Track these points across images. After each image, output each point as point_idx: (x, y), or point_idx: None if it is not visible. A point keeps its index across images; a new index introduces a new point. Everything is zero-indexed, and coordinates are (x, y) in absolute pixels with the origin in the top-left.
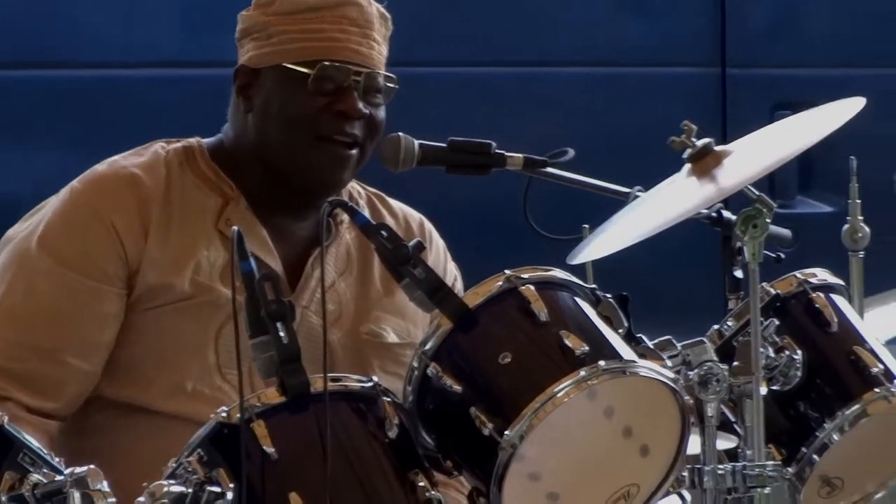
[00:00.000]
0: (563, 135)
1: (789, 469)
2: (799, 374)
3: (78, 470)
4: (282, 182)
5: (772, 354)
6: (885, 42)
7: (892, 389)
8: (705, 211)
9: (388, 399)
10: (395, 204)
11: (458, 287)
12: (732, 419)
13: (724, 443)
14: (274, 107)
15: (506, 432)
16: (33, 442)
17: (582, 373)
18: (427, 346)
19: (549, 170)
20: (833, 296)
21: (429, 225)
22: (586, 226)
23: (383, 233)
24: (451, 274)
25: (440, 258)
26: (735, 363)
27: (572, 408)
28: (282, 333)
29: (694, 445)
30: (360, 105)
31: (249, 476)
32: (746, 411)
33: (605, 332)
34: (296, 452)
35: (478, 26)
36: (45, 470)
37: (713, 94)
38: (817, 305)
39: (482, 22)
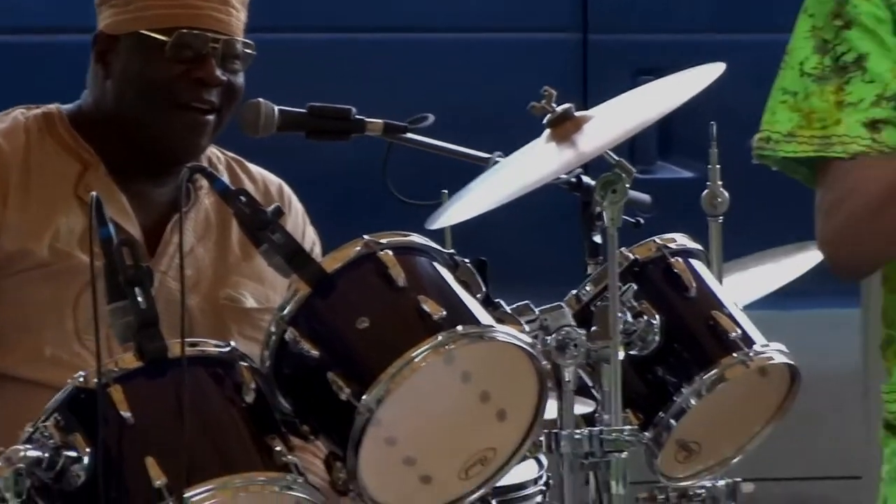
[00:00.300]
0: (423, 101)
1: (646, 434)
2: (657, 338)
3: None
4: (140, 148)
5: (630, 319)
6: (746, 9)
7: (750, 354)
8: (565, 176)
9: (246, 364)
10: (254, 169)
11: (317, 252)
12: (590, 384)
13: (582, 407)
14: (131, 73)
15: (363, 397)
16: None
17: (439, 337)
18: (285, 311)
19: (409, 135)
20: (692, 261)
21: (288, 190)
22: (445, 191)
23: (242, 198)
24: (310, 239)
25: (299, 223)
26: (593, 328)
27: (430, 372)
28: (140, 299)
29: (551, 410)
30: (218, 72)
31: (106, 440)
32: (604, 376)
33: (463, 296)
34: (153, 417)
35: None
36: None
37: (575, 60)
38: (676, 270)
39: None
